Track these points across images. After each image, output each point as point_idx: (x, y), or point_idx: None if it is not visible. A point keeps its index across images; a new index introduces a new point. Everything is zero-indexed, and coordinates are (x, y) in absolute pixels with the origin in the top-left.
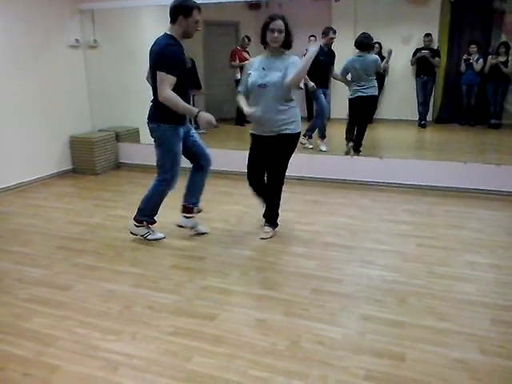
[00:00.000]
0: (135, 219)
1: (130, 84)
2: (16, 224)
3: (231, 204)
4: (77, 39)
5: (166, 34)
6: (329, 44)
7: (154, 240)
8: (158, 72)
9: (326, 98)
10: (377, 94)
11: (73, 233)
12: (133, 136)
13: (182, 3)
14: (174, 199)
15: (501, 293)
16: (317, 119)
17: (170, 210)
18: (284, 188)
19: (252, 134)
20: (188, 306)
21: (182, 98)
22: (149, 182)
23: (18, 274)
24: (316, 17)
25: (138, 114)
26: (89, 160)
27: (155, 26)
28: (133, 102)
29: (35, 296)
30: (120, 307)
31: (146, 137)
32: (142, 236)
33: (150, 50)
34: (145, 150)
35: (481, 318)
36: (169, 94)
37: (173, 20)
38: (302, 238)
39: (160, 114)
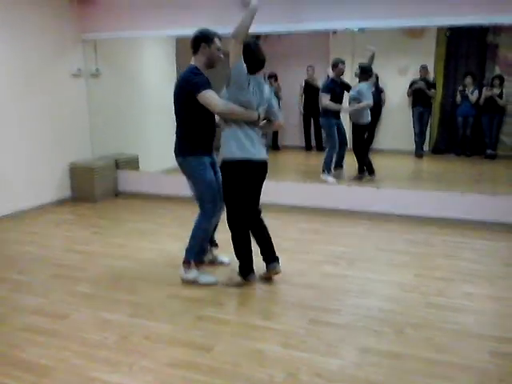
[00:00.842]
0: (183, 262)
1: (131, 112)
2: (13, 251)
3: (225, 232)
4: (79, 68)
5: (189, 65)
6: (339, 75)
7: (206, 284)
8: (198, 97)
9: (340, 128)
10: None
11: (70, 260)
12: (132, 163)
13: (203, 31)
14: (175, 228)
15: (499, 324)
16: (331, 151)
17: (166, 237)
18: (281, 216)
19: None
20: (185, 337)
21: (207, 125)
22: (147, 209)
23: (13, 303)
24: (314, 49)
25: (138, 142)
26: (88, 187)
27: (156, 55)
28: (133, 130)
29: (31, 325)
30: (117, 337)
31: (146, 164)
32: (192, 280)
33: (176, 84)
34: (144, 178)
35: (479, 349)
36: (220, 106)
37: (195, 50)
38: (299, 267)
39: (185, 147)
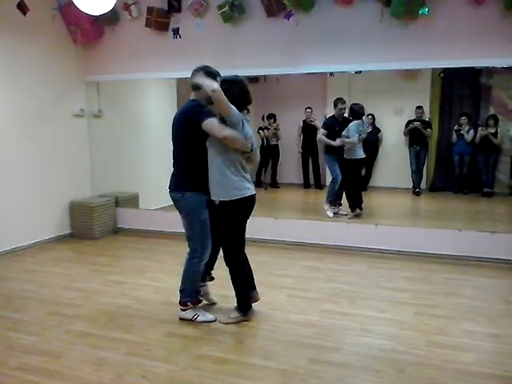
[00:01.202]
0: (180, 303)
1: (132, 151)
2: (10, 289)
3: (223, 270)
4: (82, 109)
5: (190, 100)
6: (340, 114)
7: (203, 322)
8: (202, 124)
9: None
10: None
11: (67, 298)
12: (132, 201)
13: (205, 69)
14: (174, 265)
15: (501, 363)
16: (334, 185)
17: (165, 274)
18: (280, 253)
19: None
20: (182, 376)
21: (206, 161)
22: (146, 246)
23: (8, 342)
24: (312, 90)
25: (138, 180)
26: (88, 225)
27: (157, 97)
28: (133, 169)
29: (26, 364)
30: (112, 376)
31: (145, 202)
32: (191, 320)
33: (175, 119)
34: (143, 216)
35: None
36: (227, 130)
37: (197, 87)
38: (299, 304)
39: (183, 182)
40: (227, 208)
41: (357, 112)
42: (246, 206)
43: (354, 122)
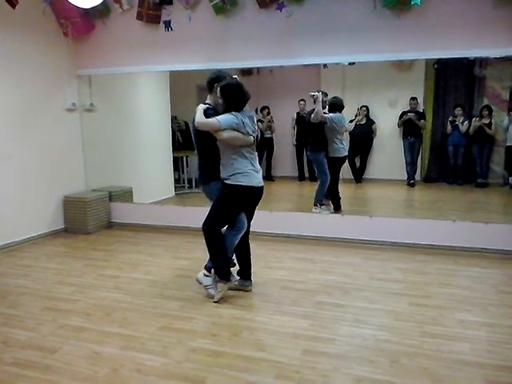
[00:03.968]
0: (205, 267)
1: (125, 145)
2: (4, 285)
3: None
4: (74, 103)
5: (203, 103)
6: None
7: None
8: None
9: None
10: None
11: (61, 293)
12: (126, 196)
13: (217, 73)
14: (168, 259)
15: (494, 352)
16: (322, 185)
17: (159, 268)
18: (275, 246)
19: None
20: (177, 369)
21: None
22: (139, 240)
23: (3, 337)
24: (306, 82)
25: (131, 174)
26: (81, 220)
27: (149, 90)
28: (127, 163)
29: (20, 360)
30: (107, 370)
31: (139, 196)
32: (204, 286)
33: (193, 122)
34: (137, 210)
35: (475, 378)
36: (222, 136)
37: (210, 89)
38: (293, 296)
39: (208, 174)
40: (227, 190)
41: (338, 105)
42: (243, 194)
43: (337, 114)
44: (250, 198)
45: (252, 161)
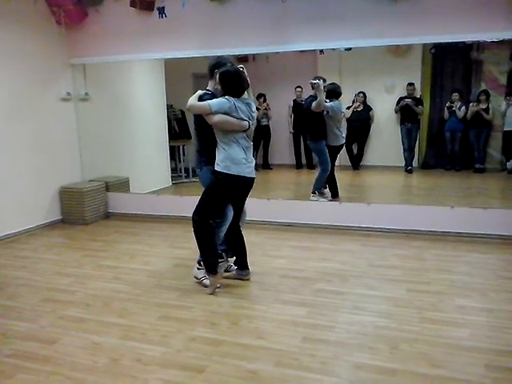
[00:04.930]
0: (198, 261)
1: (121, 135)
2: (2, 276)
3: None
4: (68, 92)
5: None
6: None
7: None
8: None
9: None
10: None
11: (60, 284)
12: (123, 186)
13: (220, 60)
14: (166, 248)
15: (494, 337)
16: (323, 173)
17: (157, 258)
18: (273, 234)
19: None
20: (177, 358)
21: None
22: (137, 230)
23: (2, 329)
24: (302, 68)
25: (128, 164)
26: (78, 210)
27: (144, 79)
28: (123, 152)
29: (20, 351)
30: (107, 360)
31: (136, 186)
32: (198, 279)
33: None
34: (134, 200)
35: (475, 363)
36: (213, 120)
37: (210, 75)
38: (292, 284)
39: (204, 159)
40: (218, 177)
41: (336, 91)
42: (232, 183)
43: (336, 102)
44: (239, 188)
45: (246, 150)
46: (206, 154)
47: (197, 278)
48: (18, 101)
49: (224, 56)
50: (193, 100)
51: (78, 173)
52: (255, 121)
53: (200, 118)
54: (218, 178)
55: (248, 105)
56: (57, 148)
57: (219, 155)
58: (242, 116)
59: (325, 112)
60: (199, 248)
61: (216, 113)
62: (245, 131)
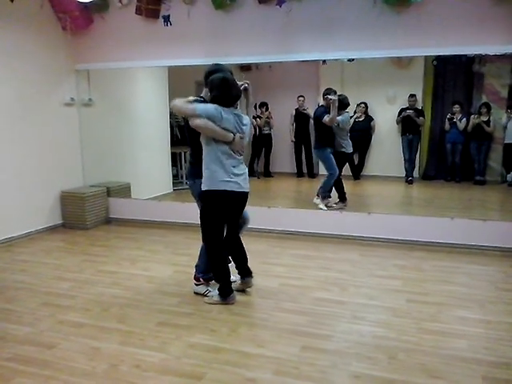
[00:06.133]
0: (194, 277)
1: (123, 140)
2: (2, 280)
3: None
4: (72, 97)
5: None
6: (329, 105)
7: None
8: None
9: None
10: None
11: (60, 289)
12: (124, 191)
13: (216, 67)
14: (166, 255)
15: (492, 349)
16: (330, 178)
17: (157, 264)
18: (273, 242)
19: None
20: (175, 365)
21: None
22: (138, 236)
23: (1, 332)
24: (304, 78)
25: (129, 170)
26: (79, 215)
27: (148, 85)
28: (125, 158)
29: (18, 355)
30: (106, 366)
31: (137, 192)
32: (202, 294)
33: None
34: (135, 205)
35: (472, 375)
36: (194, 122)
37: (205, 82)
38: (292, 293)
39: (195, 171)
40: (204, 197)
41: (344, 103)
42: (219, 199)
43: (346, 114)
44: (229, 204)
45: (233, 166)
46: (198, 166)
47: (198, 293)
48: (22, 105)
49: (222, 64)
50: (178, 101)
51: (79, 177)
52: (247, 135)
53: (192, 131)
54: (205, 197)
55: (237, 116)
56: (59, 152)
57: (204, 174)
58: (227, 127)
59: (335, 124)
60: (213, 274)
61: (200, 116)
62: (229, 143)
